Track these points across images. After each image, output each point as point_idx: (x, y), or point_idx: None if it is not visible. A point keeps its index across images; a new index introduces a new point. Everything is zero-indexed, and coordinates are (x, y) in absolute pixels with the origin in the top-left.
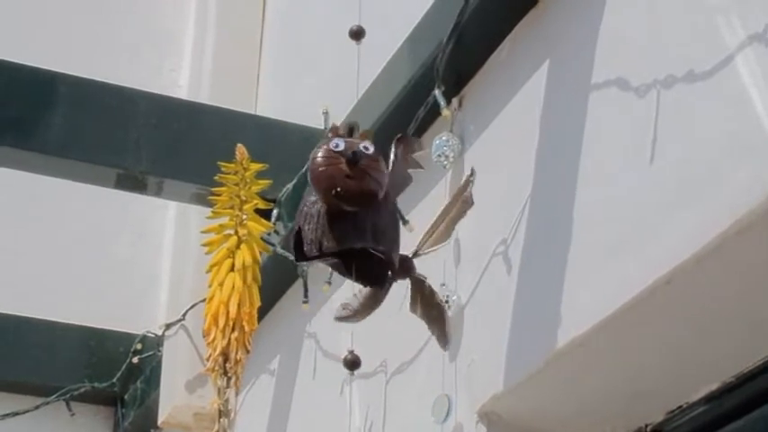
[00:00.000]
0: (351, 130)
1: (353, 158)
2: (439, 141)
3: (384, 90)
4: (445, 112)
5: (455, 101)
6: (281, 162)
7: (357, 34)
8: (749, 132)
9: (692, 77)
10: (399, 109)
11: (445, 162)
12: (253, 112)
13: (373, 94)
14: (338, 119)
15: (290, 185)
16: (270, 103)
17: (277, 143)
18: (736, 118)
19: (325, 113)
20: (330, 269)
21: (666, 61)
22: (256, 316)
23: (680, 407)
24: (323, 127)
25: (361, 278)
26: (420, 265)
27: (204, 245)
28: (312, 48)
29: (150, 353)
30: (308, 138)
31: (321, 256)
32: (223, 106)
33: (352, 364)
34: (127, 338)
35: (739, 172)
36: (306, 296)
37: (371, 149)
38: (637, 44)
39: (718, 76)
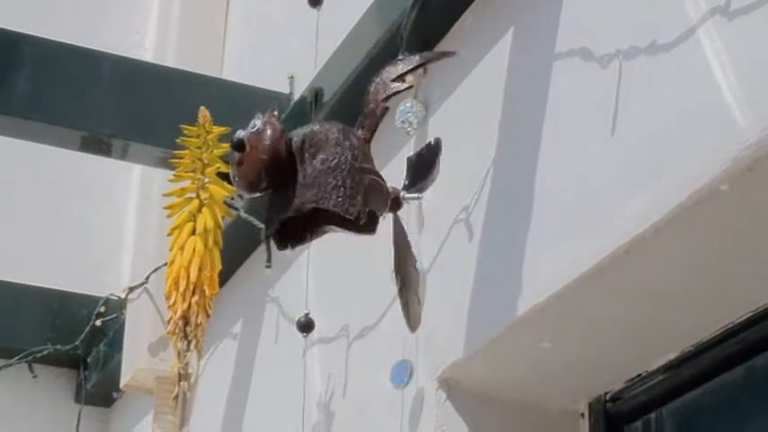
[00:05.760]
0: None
1: (235, 145)
2: (403, 108)
3: (350, 54)
4: (408, 78)
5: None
6: (246, 126)
7: (316, 1)
8: (710, 104)
9: (655, 49)
10: (364, 73)
11: (409, 128)
12: (218, 76)
13: (339, 59)
14: (304, 83)
15: None
16: (236, 67)
17: (243, 107)
18: (697, 90)
19: (291, 78)
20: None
21: (629, 32)
22: (217, 280)
23: (639, 375)
24: (288, 91)
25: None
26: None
27: (166, 208)
28: (279, 11)
29: (113, 315)
30: (274, 102)
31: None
32: (189, 69)
33: (306, 326)
34: (90, 301)
35: (699, 143)
36: (269, 260)
37: (258, 124)
38: (600, 14)
39: (680, 48)
